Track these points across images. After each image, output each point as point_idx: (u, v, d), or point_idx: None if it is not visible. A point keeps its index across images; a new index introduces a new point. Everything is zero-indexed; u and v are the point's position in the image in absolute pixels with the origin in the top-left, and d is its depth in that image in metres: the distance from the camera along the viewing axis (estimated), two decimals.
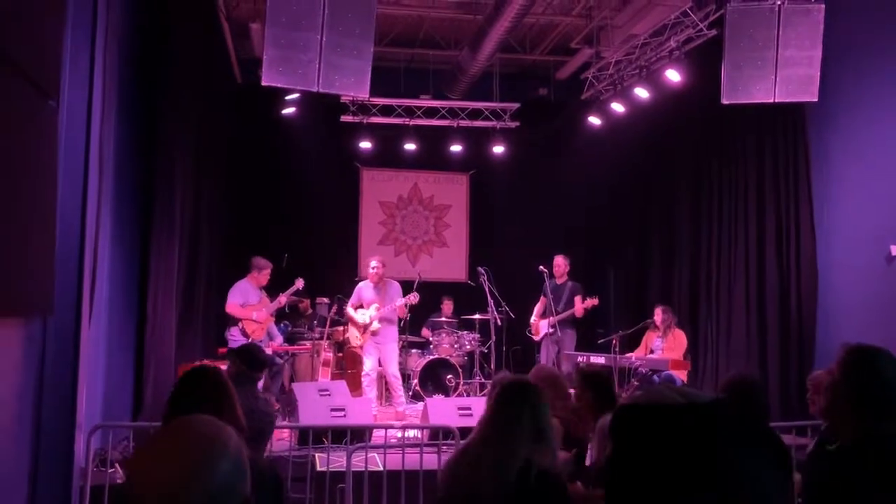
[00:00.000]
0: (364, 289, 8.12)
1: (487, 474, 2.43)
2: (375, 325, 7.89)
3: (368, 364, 7.95)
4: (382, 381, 8.43)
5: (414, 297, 7.90)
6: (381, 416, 7.92)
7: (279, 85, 5.88)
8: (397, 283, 8.15)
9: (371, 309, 7.95)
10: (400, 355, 8.54)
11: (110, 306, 5.80)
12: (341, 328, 9.20)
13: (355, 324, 8.09)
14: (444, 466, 2.70)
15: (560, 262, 8.71)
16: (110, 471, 4.96)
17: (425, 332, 9.81)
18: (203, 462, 1.18)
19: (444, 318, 9.89)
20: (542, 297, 8.71)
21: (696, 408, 1.20)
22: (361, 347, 8.16)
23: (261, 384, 7.06)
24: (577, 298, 8.47)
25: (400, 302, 7.87)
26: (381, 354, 7.93)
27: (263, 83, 5.71)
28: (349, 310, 8.15)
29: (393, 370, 7.99)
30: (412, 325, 9.33)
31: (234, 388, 2.63)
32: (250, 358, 4.08)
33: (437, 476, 2.86)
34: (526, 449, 2.46)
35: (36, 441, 4.08)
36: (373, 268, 8.05)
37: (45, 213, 3.76)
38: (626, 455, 1.21)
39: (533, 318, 8.85)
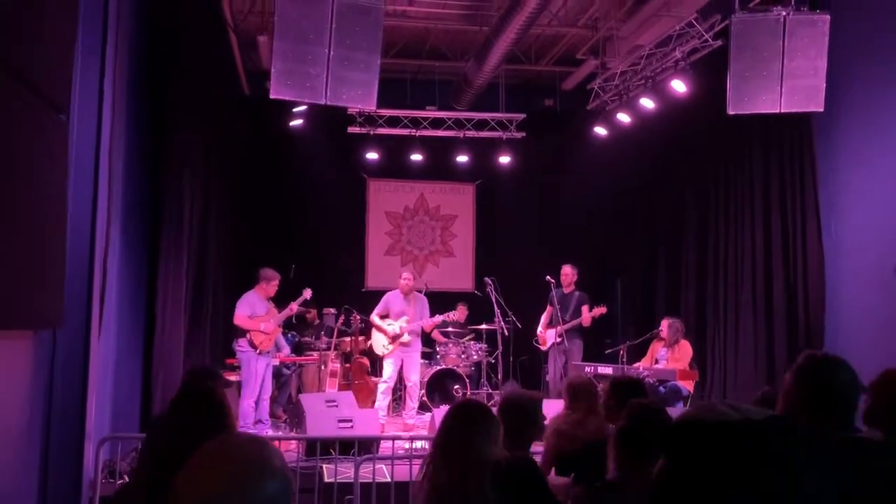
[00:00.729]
0: (393, 299, 8.27)
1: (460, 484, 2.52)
2: (407, 337, 8.08)
3: (388, 371, 8.09)
4: (395, 391, 8.52)
5: (454, 315, 8.42)
6: (389, 426, 7.96)
7: (287, 98, 5.92)
8: (424, 297, 8.40)
9: (401, 320, 8.11)
10: None
11: (119, 318, 5.83)
12: (348, 339, 9.21)
13: (383, 332, 8.18)
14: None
15: (568, 272, 8.71)
16: (119, 482, 4.98)
17: (437, 335, 9.76)
18: (251, 483, 1.18)
19: (450, 328, 9.86)
20: (548, 307, 8.71)
21: (752, 424, 1.19)
22: (384, 356, 8.25)
23: (250, 402, 7.14)
24: (585, 308, 8.47)
25: (437, 319, 8.22)
26: (406, 363, 8.11)
27: (272, 96, 5.75)
28: (375, 318, 8.26)
29: (415, 378, 8.18)
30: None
31: (228, 406, 2.60)
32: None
33: None
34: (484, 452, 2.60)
35: (45, 452, 4.10)
36: (405, 279, 8.26)
37: (55, 226, 3.80)
38: (680, 472, 1.20)
39: (539, 329, 8.85)
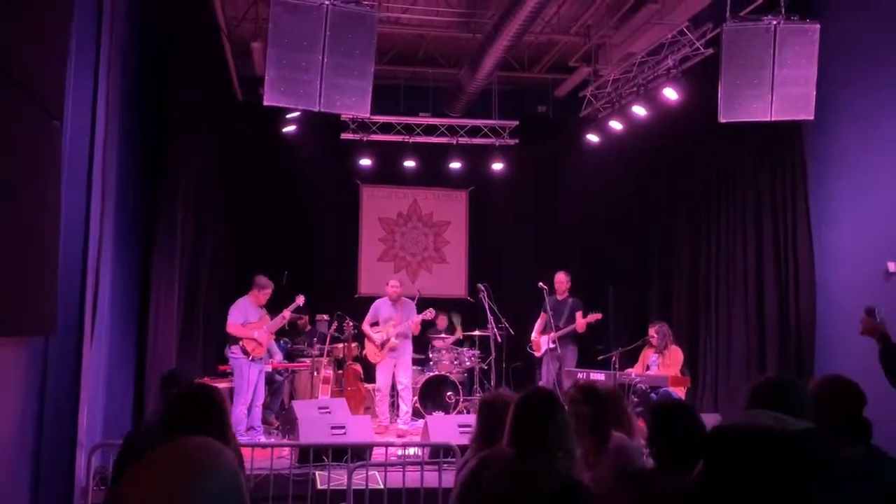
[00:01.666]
0: (382, 306, 8.43)
1: (521, 489, 2.43)
2: (394, 342, 8.22)
3: (381, 379, 8.27)
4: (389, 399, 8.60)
5: (430, 313, 8.37)
6: (396, 431, 8.09)
7: (281, 105, 5.94)
8: (412, 302, 8.52)
9: (388, 326, 8.26)
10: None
11: (111, 325, 5.81)
12: (341, 345, 9.21)
13: (373, 341, 8.32)
14: (465, 480, 2.67)
15: (562, 279, 8.74)
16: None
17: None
18: (194, 480, 1.18)
19: (443, 335, 9.88)
20: (542, 314, 8.73)
21: (792, 435, 1.22)
22: (377, 364, 8.38)
23: (243, 409, 7.11)
24: (579, 314, 8.50)
25: (416, 318, 8.29)
26: (397, 366, 8.26)
27: (266, 103, 5.76)
28: (366, 328, 8.42)
29: (406, 381, 8.29)
30: (419, 342, 9.37)
31: (227, 407, 2.62)
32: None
33: (454, 491, 2.82)
34: (554, 460, 2.46)
35: (37, 459, 4.08)
36: (392, 286, 8.42)
37: (48, 233, 3.79)
38: (721, 477, 1.23)
39: (534, 335, 8.86)
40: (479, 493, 2.54)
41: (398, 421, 8.30)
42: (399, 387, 8.29)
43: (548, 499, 2.36)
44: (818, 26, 6.13)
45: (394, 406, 8.66)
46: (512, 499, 2.42)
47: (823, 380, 2.63)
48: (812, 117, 6.26)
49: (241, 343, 7.34)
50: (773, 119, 6.14)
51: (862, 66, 6.81)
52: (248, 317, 7.46)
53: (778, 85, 6.00)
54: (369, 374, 9.51)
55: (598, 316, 8.52)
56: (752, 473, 1.20)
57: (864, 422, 2.38)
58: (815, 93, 6.11)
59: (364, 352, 8.73)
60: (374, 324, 8.39)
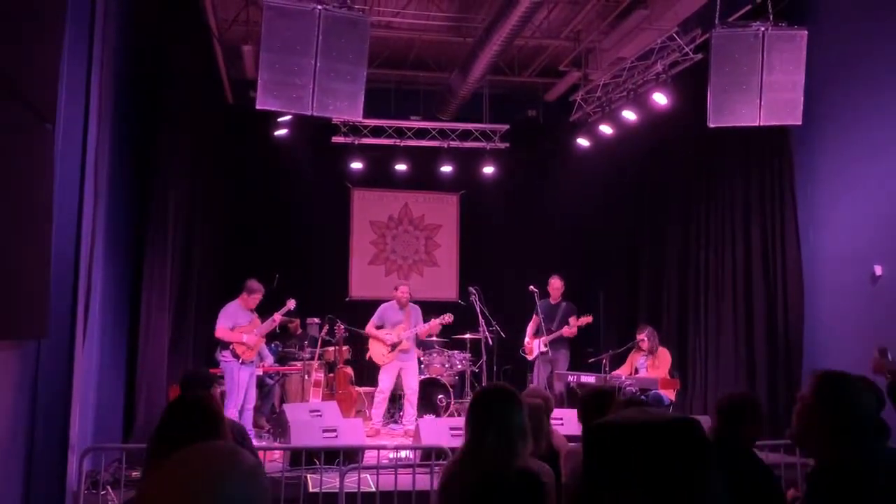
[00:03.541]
0: (389, 310, 8.49)
1: (476, 481, 2.48)
2: (406, 344, 8.29)
3: (385, 381, 8.28)
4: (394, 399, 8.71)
5: (448, 318, 8.40)
6: (384, 435, 8.12)
7: (273, 108, 5.95)
8: (418, 307, 8.60)
9: (398, 329, 8.31)
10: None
11: (103, 328, 5.80)
12: (332, 348, 9.20)
13: (381, 341, 8.33)
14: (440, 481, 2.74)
15: (556, 283, 8.81)
16: (102, 493, 4.95)
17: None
18: (212, 487, 1.19)
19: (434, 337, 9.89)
20: (534, 317, 8.76)
21: (656, 426, 1.26)
22: (381, 366, 8.38)
23: (234, 412, 7.09)
24: (572, 318, 8.55)
25: (426, 326, 8.36)
26: (404, 371, 8.31)
27: (258, 107, 5.76)
28: (372, 329, 8.44)
29: (414, 385, 8.35)
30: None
31: (223, 414, 2.60)
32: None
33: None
34: (499, 450, 2.52)
35: (29, 462, 4.08)
36: (402, 291, 8.52)
37: (40, 236, 3.79)
38: (595, 472, 1.27)
39: (527, 339, 8.90)
40: (446, 491, 2.61)
41: (402, 422, 8.33)
42: (407, 391, 8.33)
43: (502, 488, 2.42)
44: (805, 32, 6.20)
45: (395, 408, 8.71)
46: (469, 489, 2.47)
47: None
48: (800, 122, 6.32)
49: (230, 347, 7.34)
50: (761, 124, 6.20)
51: (849, 72, 6.90)
52: (236, 321, 7.45)
53: (766, 90, 6.06)
54: (360, 377, 9.52)
55: (589, 319, 8.58)
56: (632, 467, 1.24)
57: (881, 423, 2.39)
58: (802, 98, 6.18)
59: (368, 354, 8.73)
60: (380, 327, 8.42)
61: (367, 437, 7.54)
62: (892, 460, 2.22)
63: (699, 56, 7.40)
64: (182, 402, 2.54)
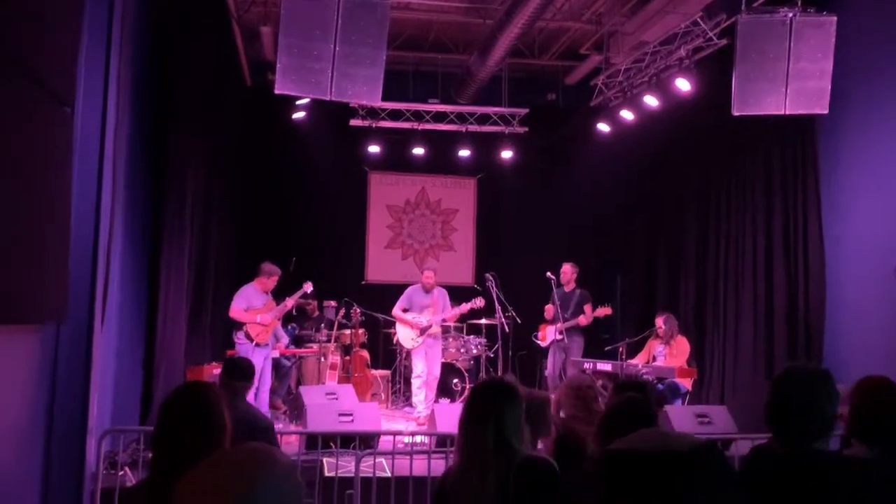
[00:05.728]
0: (416, 294, 8.44)
1: (475, 475, 2.46)
2: (435, 328, 8.26)
3: (420, 366, 8.26)
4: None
5: (480, 302, 8.34)
6: (404, 417, 8.25)
7: (292, 93, 5.92)
8: (445, 291, 8.55)
9: (426, 313, 8.28)
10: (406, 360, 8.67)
11: (121, 311, 5.83)
12: (348, 331, 9.23)
13: (410, 325, 8.29)
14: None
15: (567, 270, 8.73)
16: (120, 474, 5.01)
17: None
18: (247, 489, 1.18)
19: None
20: (549, 304, 8.72)
21: (677, 457, 1.25)
22: (413, 350, 8.34)
23: (251, 394, 7.12)
24: (588, 307, 8.49)
25: (457, 310, 8.33)
26: (430, 355, 8.27)
27: (276, 91, 5.73)
28: (399, 312, 8.40)
29: (437, 371, 8.36)
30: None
31: (222, 402, 2.53)
32: (232, 369, 4.39)
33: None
34: (501, 444, 2.48)
35: (48, 445, 4.11)
36: (427, 276, 8.47)
37: (59, 220, 3.79)
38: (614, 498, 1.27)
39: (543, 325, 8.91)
40: (445, 485, 2.61)
41: (423, 407, 8.26)
42: (429, 376, 8.29)
43: (506, 479, 2.39)
44: (835, 19, 6.05)
45: (409, 391, 8.69)
46: (469, 482, 2.45)
47: (864, 380, 2.62)
48: (826, 111, 6.20)
49: (244, 328, 7.37)
50: (787, 113, 6.07)
51: (878, 61, 6.74)
52: (251, 303, 7.48)
53: (793, 78, 5.93)
54: (377, 360, 9.55)
55: (608, 311, 8.50)
56: (649, 496, 1.23)
57: None
58: (829, 87, 6.04)
59: (396, 338, 8.72)
60: (406, 310, 8.38)
61: (418, 425, 7.70)
62: None
63: (723, 41, 7.24)
64: (180, 399, 2.46)
